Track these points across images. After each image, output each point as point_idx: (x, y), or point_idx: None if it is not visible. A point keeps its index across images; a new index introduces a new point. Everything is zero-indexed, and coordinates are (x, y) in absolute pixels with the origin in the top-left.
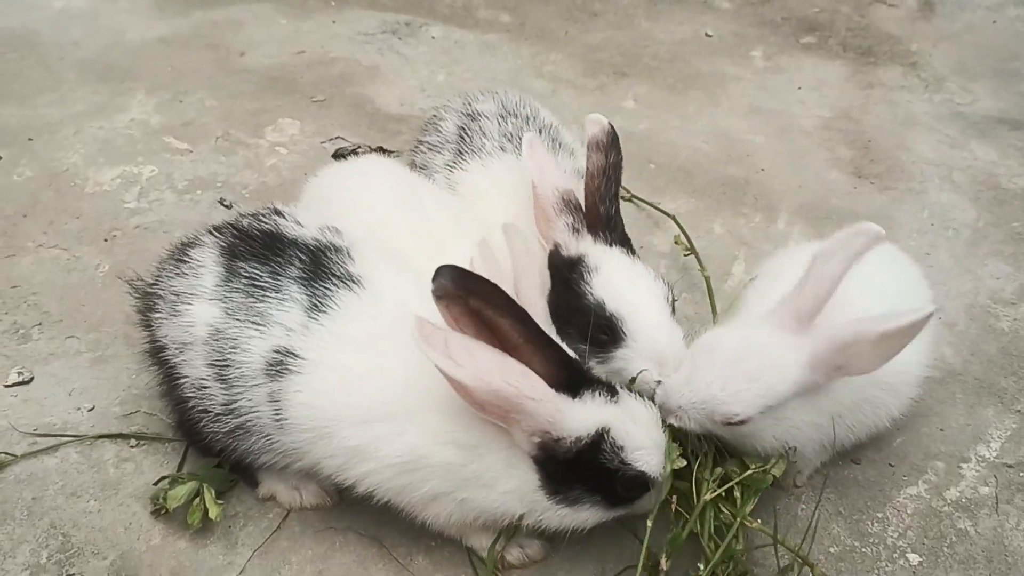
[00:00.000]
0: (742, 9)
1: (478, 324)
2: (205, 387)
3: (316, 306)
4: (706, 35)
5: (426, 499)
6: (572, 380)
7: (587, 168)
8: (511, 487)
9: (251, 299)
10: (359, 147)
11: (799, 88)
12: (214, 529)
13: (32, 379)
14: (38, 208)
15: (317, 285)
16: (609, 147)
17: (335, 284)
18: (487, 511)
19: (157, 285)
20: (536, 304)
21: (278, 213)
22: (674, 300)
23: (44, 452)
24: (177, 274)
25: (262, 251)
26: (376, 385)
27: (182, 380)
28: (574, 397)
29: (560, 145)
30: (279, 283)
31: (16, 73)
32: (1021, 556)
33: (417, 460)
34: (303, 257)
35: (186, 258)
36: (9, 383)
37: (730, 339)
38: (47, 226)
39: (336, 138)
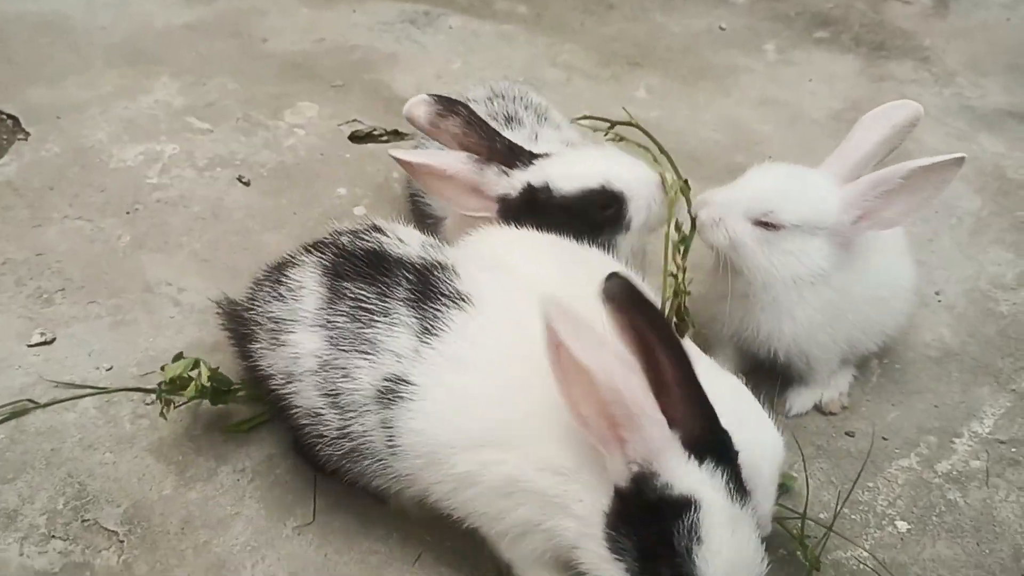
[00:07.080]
0: (756, 4)
1: (635, 347)
2: (320, 414)
3: (427, 329)
4: (720, 28)
5: (514, 528)
6: (704, 447)
7: (452, 132)
8: (584, 512)
9: (358, 324)
10: (375, 129)
11: (810, 80)
12: (223, 482)
13: (54, 340)
14: (64, 182)
15: (427, 306)
16: (451, 108)
17: (444, 304)
18: (555, 539)
19: (253, 310)
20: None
21: (378, 230)
22: None
23: (63, 407)
24: (275, 297)
25: (367, 271)
26: (487, 408)
27: (294, 410)
28: (694, 457)
29: (546, 120)
30: (387, 306)
31: (47, 56)
32: (1008, 527)
33: (514, 484)
34: (410, 277)
35: (284, 279)
36: (32, 343)
37: (778, 167)
38: (72, 199)
39: (353, 120)
